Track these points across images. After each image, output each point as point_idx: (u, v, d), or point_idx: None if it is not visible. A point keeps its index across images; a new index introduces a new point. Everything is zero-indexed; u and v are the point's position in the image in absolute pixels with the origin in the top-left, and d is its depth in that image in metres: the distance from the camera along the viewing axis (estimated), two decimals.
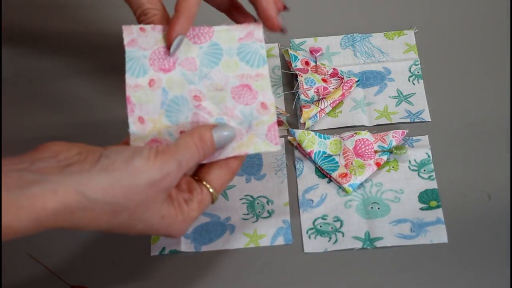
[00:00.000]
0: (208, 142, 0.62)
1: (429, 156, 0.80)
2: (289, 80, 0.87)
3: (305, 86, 0.84)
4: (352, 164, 0.78)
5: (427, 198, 0.77)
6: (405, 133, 0.81)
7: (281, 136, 0.83)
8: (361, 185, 0.78)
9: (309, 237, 0.76)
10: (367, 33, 0.91)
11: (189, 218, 0.61)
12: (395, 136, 0.80)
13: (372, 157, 0.79)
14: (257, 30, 0.68)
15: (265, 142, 0.65)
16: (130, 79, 0.65)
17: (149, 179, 0.57)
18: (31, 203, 0.53)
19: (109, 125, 0.84)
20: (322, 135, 0.81)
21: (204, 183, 0.63)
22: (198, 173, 0.64)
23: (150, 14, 0.66)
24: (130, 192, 0.57)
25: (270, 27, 0.69)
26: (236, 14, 0.72)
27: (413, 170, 0.79)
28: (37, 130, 0.85)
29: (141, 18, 0.66)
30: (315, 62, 0.87)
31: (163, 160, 0.58)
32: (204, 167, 0.64)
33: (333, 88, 0.85)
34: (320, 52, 0.89)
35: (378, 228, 0.75)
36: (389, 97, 0.85)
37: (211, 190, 0.63)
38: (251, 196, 0.79)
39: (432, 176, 0.79)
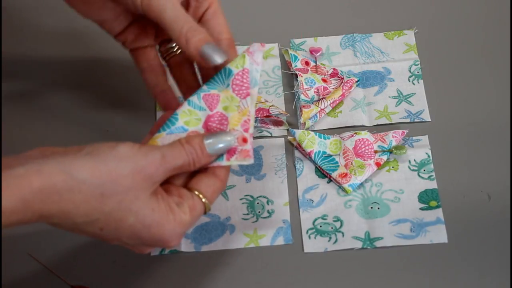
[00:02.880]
0: (197, 146, 0.61)
1: (429, 156, 0.80)
2: (289, 80, 0.88)
3: (305, 86, 0.84)
4: (352, 164, 0.79)
5: (427, 198, 0.77)
6: (405, 133, 0.81)
7: (281, 136, 0.83)
8: (361, 185, 0.78)
9: (309, 237, 0.76)
10: (367, 33, 0.91)
11: (180, 220, 0.60)
12: (395, 136, 0.80)
13: (372, 157, 0.79)
14: (258, 53, 0.66)
15: (238, 156, 0.64)
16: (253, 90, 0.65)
17: (134, 164, 0.57)
18: (17, 181, 0.52)
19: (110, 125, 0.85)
20: (322, 135, 0.81)
21: (195, 192, 0.63)
22: (188, 183, 0.64)
23: (199, 30, 0.63)
24: (117, 175, 0.56)
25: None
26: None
27: (413, 170, 0.79)
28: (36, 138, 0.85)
29: (188, 34, 0.62)
30: (315, 62, 0.87)
31: (147, 149, 0.58)
32: (192, 178, 0.64)
33: (333, 88, 0.85)
34: (320, 52, 0.89)
35: (378, 228, 0.75)
36: (389, 97, 0.85)
37: (202, 199, 0.62)
38: (251, 196, 0.79)
39: (432, 176, 0.79)
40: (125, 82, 0.88)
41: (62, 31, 0.93)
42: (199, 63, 0.65)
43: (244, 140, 0.64)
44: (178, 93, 0.72)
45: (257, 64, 0.65)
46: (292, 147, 0.82)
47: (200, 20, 0.67)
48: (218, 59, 0.62)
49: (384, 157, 0.79)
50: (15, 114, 0.86)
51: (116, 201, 0.57)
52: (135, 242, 0.60)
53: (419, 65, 0.87)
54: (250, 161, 0.63)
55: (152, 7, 0.63)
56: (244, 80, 0.64)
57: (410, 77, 0.87)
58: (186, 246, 0.76)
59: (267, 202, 0.79)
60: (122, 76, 0.88)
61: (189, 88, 0.70)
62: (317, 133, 0.81)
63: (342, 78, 0.85)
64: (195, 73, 0.71)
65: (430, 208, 0.77)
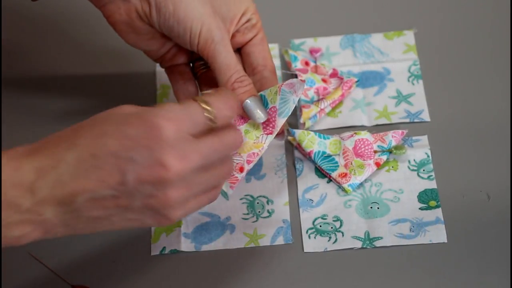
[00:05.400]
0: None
1: (428, 156, 0.80)
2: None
3: (305, 86, 0.84)
4: (351, 164, 0.79)
5: (426, 198, 0.77)
6: (405, 133, 0.81)
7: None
8: (361, 185, 0.79)
9: (309, 236, 0.76)
10: (367, 33, 0.91)
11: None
12: (395, 136, 0.80)
13: (372, 157, 0.79)
14: (300, 86, 0.68)
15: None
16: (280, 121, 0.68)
17: None
18: None
19: None
20: (321, 135, 0.81)
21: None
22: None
23: (246, 82, 0.67)
24: None
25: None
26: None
27: (413, 170, 0.79)
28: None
29: (235, 84, 0.67)
30: (315, 63, 0.88)
31: None
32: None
33: (333, 88, 0.85)
34: (320, 52, 0.89)
35: (377, 228, 0.76)
36: (389, 97, 0.85)
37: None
38: (251, 196, 0.79)
39: (431, 176, 0.79)
40: (131, 92, 0.88)
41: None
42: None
43: (241, 170, 0.67)
44: None
45: (296, 95, 0.68)
46: (292, 147, 0.83)
47: (245, 44, 0.72)
48: (258, 119, 0.67)
49: (384, 157, 0.79)
50: (15, 114, 0.86)
51: None
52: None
53: (419, 65, 0.88)
54: (229, 191, 0.67)
55: (208, 50, 0.67)
56: (273, 118, 0.68)
57: (409, 77, 0.87)
58: (186, 246, 0.76)
59: (267, 202, 0.79)
60: (129, 86, 0.89)
61: None
62: (317, 133, 0.81)
63: (342, 78, 0.85)
64: None
65: (429, 208, 0.77)
